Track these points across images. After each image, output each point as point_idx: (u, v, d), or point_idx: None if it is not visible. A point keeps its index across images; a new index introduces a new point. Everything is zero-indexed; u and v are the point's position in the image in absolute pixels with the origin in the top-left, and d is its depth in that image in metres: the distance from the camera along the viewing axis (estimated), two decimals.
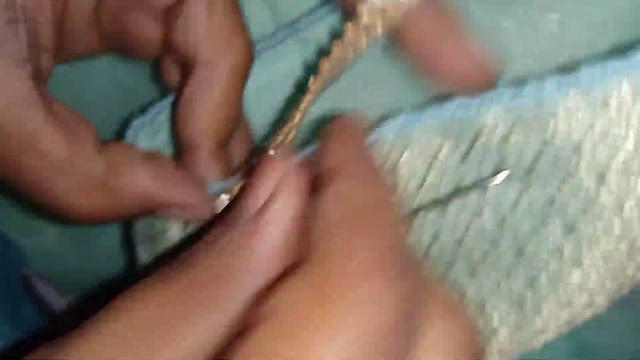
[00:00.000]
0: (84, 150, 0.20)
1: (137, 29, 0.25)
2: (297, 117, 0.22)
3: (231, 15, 0.24)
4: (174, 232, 0.24)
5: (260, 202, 0.18)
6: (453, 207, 0.22)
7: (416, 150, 0.21)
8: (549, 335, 0.24)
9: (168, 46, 0.25)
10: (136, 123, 0.27)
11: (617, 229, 0.21)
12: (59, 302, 0.37)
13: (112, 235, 0.35)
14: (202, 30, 0.23)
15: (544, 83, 0.19)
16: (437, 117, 0.21)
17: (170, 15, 0.24)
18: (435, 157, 0.21)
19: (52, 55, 0.21)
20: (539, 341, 0.24)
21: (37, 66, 0.20)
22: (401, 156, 0.22)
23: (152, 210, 0.22)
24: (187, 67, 0.25)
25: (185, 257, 0.18)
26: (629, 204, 0.20)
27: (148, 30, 0.25)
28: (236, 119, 0.25)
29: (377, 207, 0.17)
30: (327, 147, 0.19)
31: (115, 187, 0.20)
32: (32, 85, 0.19)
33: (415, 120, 0.21)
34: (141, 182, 0.21)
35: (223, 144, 0.25)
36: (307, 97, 0.22)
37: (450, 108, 0.21)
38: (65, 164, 0.19)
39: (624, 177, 0.20)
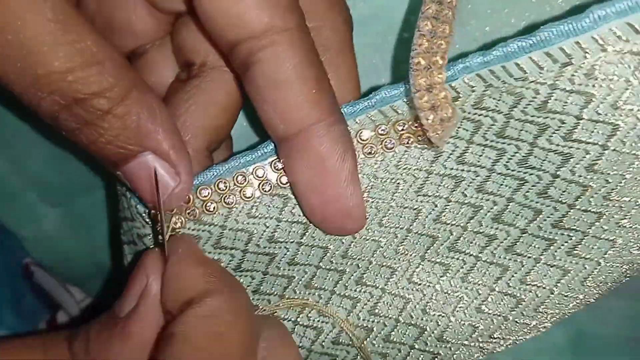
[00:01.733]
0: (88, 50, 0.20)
1: (126, 17, 0.25)
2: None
3: None
4: (149, 240, 0.25)
5: (129, 305, 0.22)
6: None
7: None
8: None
9: (174, 47, 0.24)
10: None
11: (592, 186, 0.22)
12: (58, 290, 0.37)
13: (111, 224, 0.35)
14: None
15: (509, 46, 0.20)
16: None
17: (180, 20, 0.24)
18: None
19: None
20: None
21: None
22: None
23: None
24: (188, 69, 0.25)
25: (71, 337, 0.22)
26: (598, 163, 0.21)
27: (137, 20, 0.25)
28: (230, 127, 0.26)
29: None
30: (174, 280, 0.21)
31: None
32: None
33: (395, 93, 0.22)
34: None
35: (211, 150, 0.25)
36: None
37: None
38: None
39: (591, 134, 0.21)
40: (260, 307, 0.25)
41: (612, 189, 0.22)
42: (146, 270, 0.22)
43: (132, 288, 0.22)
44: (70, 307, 0.37)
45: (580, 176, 0.22)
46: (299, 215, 0.23)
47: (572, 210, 0.23)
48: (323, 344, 0.26)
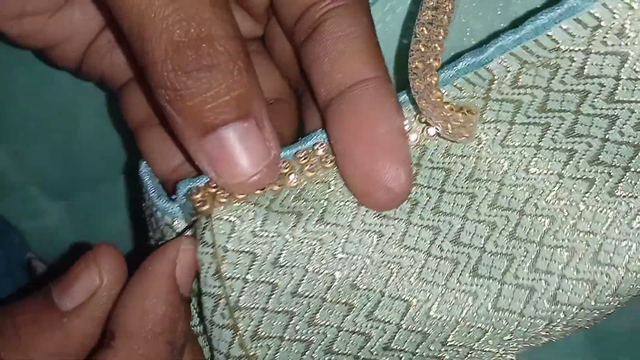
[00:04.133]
0: None
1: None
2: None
3: None
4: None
5: (77, 299, 0.21)
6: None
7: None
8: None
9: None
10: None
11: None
12: None
13: (113, 218, 0.34)
14: None
15: (539, 19, 0.21)
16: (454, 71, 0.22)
17: None
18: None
19: None
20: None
21: None
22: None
23: None
24: None
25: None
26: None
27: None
28: None
29: None
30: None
31: None
32: None
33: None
34: None
35: None
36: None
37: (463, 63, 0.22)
38: None
39: (632, 93, 0.21)
40: None
41: None
42: (102, 269, 0.21)
43: (80, 282, 0.21)
44: None
45: (630, 136, 0.22)
46: None
47: (627, 173, 0.22)
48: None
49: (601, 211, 0.22)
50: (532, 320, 0.23)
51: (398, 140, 0.20)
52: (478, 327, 0.23)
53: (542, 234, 0.23)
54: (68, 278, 0.21)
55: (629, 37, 0.20)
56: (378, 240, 0.22)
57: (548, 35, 0.21)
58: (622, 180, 0.22)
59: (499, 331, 0.23)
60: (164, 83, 0.19)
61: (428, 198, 0.23)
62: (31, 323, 0.21)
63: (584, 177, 0.22)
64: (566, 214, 0.23)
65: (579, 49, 0.21)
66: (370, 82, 0.20)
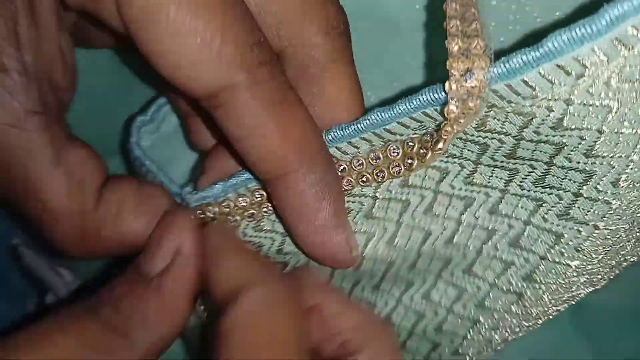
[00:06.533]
0: (84, 202, 0.21)
1: None
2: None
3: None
4: None
5: (161, 263, 0.21)
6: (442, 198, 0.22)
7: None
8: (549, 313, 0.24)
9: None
10: (137, 123, 0.27)
11: (614, 205, 0.20)
12: (47, 272, 0.36)
13: None
14: None
15: (512, 60, 0.17)
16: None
17: None
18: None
19: (69, 88, 0.22)
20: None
21: (52, 106, 0.20)
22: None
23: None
24: None
25: (94, 305, 0.21)
26: (624, 177, 0.19)
27: None
28: None
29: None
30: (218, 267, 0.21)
31: (109, 237, 0.22)
32: (42, 135, 0.19)
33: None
34: (133, 233, 0.22)
35: None
36: None
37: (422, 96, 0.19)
38: (63, 214, 0.20)
39: (615, 146, 0.18)
40: None
41: None
42: (177, 231, 0.22)
43: (160, 248, 0.22)
44: (60, 289, 0.36)
45: (607, 192, 0.19)
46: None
47: (596, 231, 0.20)
48: None
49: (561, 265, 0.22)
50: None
51: (326, 235, 0.21)
52: None
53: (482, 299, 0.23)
54: (150, 245, 0.22)
55: (618, 88, 0.17)
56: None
57: (524, 80, 0.17)
58: (590, 237, 0.21)
59: None
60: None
61: (384, 231, 0.23)
62: (126, 294, 0.21)
63: (551, 230, 0.21)
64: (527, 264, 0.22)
65: (559, 99, 0.17)
66: (285, 179, 0.20)
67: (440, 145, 0.19)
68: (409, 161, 0.20)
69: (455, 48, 0.18)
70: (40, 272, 0.36)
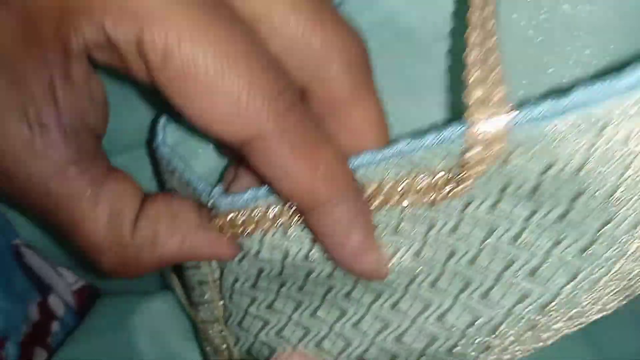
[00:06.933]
0: (122, 234, 0.22)
1: None
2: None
3: None
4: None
5: None
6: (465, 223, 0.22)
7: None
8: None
9: None
10: (162, 122, 0.27)
11: (633, 248, 0.20)
12: (49, 273, 0.36)
13: None
14: None
15: (540, 105, 0.18)
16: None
17: None
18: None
19: (102, 124, 0.23)
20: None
21: (89, 148, 0.22)
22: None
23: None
24: None
25: None
26: None
27: None
28: None
29: None
30: None
31: (148, 261, 0.23)
32: (81, 180, 0.21)
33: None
34: (169, 253, 0.24)
35: None
36: None
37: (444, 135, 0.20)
38: (104, 247, 0.22)
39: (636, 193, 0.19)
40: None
41: None
42: None
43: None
44: (62, 290, 0.36)
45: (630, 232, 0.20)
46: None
47: (619, 266, 0.21)
48: None
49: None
50: None
51: (357, 261, 0.23)
52: None
53: None
54: None
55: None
56: None
57: (547, 127, 0.18)
58: (611, 272, 0.21)
59: None
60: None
61: (410, 245, 0.23)
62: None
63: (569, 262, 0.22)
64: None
65: (582, 147, 0.19)
66: (313, 214, 0.22)
67: (463, 186, 0.20)
68: (432, 195, 0.21)
69: (475, 76, 0.18)
70: (42, 273, 0.35)
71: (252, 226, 0.23)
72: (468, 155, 0.19)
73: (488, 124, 0.18)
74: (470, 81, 0.18)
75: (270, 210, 0.23)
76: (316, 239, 0.23)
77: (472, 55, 0.19)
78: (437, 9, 0.27)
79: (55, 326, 0.35)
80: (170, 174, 0.26)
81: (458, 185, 0.20)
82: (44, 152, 0.20)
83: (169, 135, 0.27)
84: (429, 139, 0.20)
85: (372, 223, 0.23)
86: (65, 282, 0.36)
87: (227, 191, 0.24)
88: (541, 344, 0.24)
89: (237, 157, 0.26)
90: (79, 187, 0.21)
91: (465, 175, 0.20)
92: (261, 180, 0.23)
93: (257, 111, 0.19)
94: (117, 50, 0.20)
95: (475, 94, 0.18)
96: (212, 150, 0.29)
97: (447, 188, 0.21)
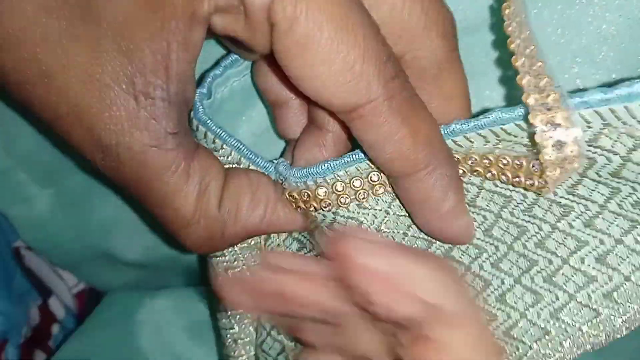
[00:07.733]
0: (209, 208, 0.23)
1: None
2: None
3: None
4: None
5: None
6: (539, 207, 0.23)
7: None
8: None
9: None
10: (209, 79, 0.26)
11: None
12: (50, 275, 0.36)
13: (104, 206, 0.34)
14: None
15: (635, 85, 0.19)
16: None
17: None
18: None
19: (194, 96, 0.23)
20: None
21: (184, 122, 0.22)
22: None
23: None
24: None
25: None
26: None
27: None
28: None
29: None
30: None
31: (233, 234, 0.24)
32: (177, 152, 0.22)
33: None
34: (251, 226, 0.24)
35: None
36: None
37: None
38: (193, 220, 0.23)
39: None
40: None
41: None
42: None
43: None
44: (62, 292, 0.36)
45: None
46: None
47: None
48: None
49: None
50: None
51: (448, 224, 0.23)
52: None
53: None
54: None
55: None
56: None
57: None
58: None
59: None
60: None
61: (484, 219, 0.24)
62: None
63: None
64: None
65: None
66: (411, 179, 0.22)
67: (546, 188, 0.20)
68: (517, 178, 0.22)
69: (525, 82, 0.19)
70: (43, 275, 0.35)
71: (331, 197, 0.24)
72: (541, 156, 0.19)
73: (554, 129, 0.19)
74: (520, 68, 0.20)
75: (353, 181, 0.23)
76: (406, 205, 0.23)
77: (515, 44, 0.20)
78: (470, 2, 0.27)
79: (55, 329, 0.35)
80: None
81: (541, 183, 0.21)
82: (146, 123, 0.20)
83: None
84: (518, 110, 0.20)
85: (463, 189, 0.23)
86: (66, 285, 0.36)
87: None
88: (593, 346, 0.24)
89: (294, 144, 0.26)
90: (174, 159, 0.21)
91: (546, 178, 0.20)
92: (322, 158, 0.24)
93: (370, 78, 0.20)
94: (245, 14, 0.20)
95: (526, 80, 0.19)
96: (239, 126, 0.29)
97: (529, 181, 0.21)
